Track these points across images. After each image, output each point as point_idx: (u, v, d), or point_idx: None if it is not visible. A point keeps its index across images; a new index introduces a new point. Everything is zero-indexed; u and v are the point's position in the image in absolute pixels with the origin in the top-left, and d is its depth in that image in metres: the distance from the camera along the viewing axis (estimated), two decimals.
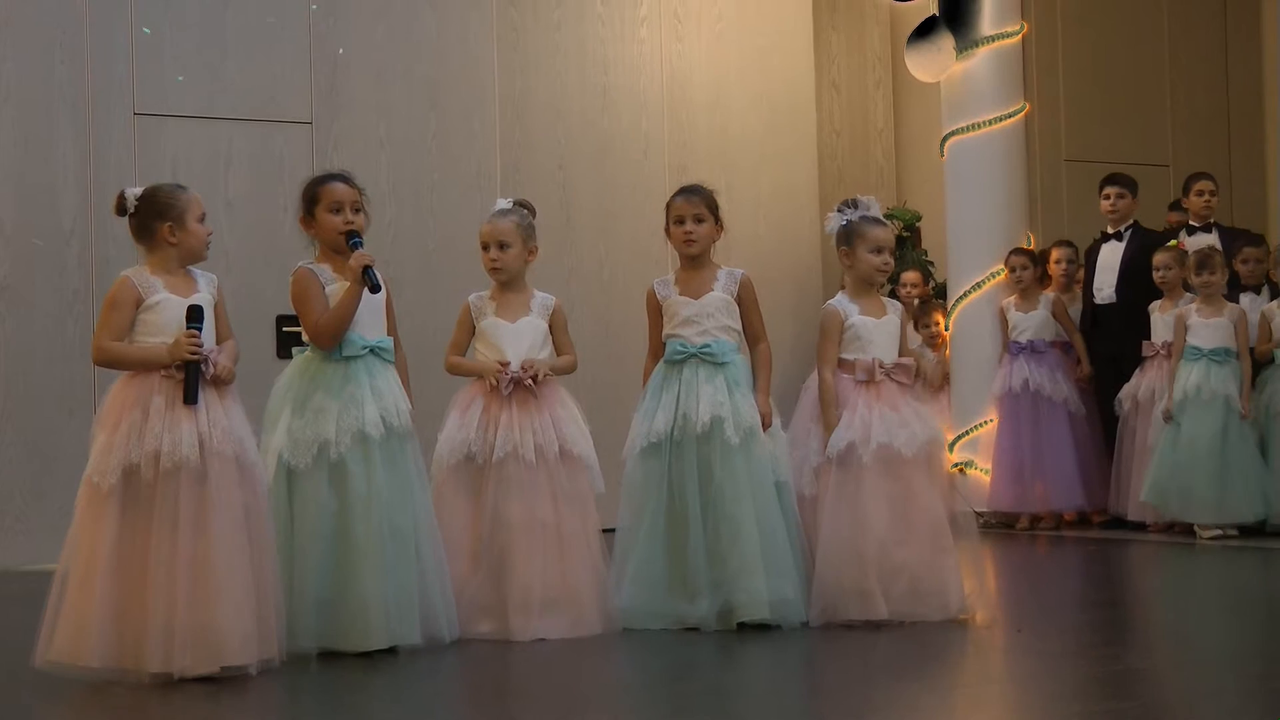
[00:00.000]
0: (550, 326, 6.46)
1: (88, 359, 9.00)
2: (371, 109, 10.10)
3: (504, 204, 6.53)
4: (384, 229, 9.64)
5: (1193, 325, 9.38)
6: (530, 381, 6.23)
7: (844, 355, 6.43)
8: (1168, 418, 9.34)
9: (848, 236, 6.52)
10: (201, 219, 5.54)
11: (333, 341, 5.83)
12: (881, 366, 6.38)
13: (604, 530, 6.35)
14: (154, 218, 5.48)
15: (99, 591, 5.16)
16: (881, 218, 6.58)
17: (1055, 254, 10.47)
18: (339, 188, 5.98)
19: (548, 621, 6.05)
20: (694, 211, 6.49)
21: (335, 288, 5.89)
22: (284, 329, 9.35)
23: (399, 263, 9.70)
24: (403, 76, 10.22)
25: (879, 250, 6.48)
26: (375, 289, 5.85)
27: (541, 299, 6.47)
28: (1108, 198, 10.30)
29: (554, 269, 10.23)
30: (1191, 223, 10.29)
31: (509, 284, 6.44)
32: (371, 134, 10.09)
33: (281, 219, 9.20)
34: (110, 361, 5.42)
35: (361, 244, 5.92)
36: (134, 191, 5.52)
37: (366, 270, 5.82)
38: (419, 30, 10.30)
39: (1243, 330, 9.37)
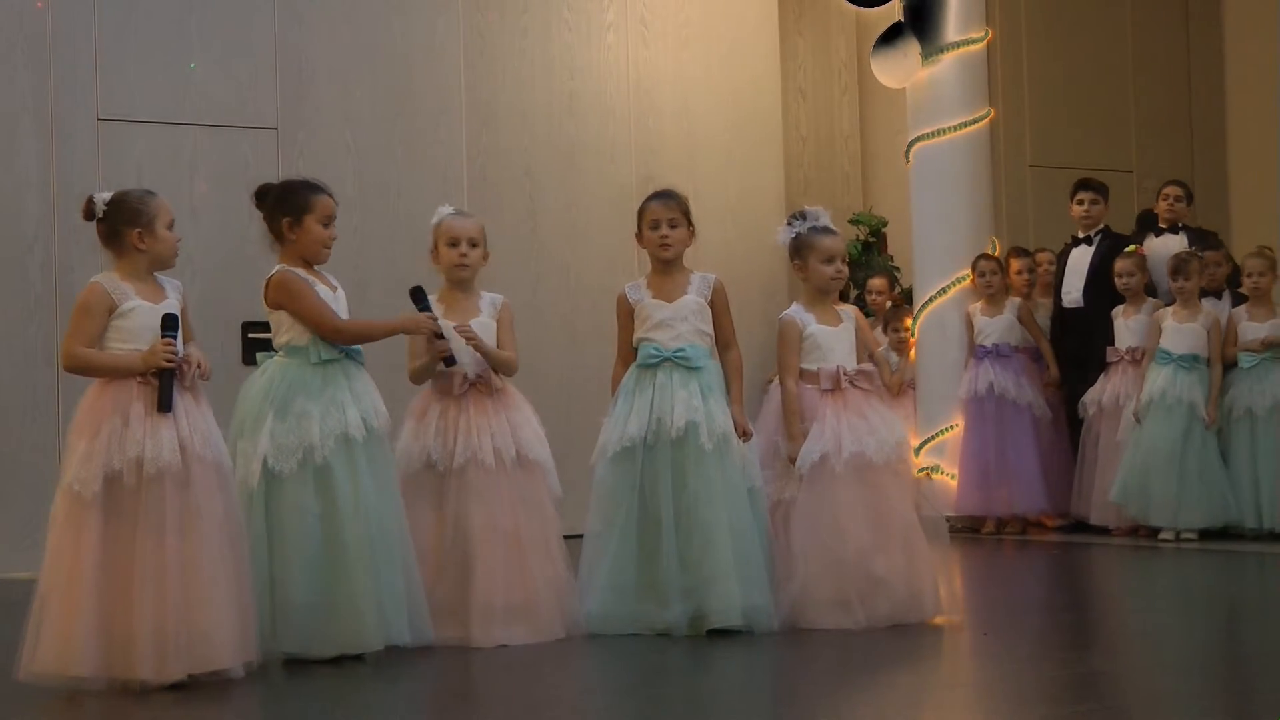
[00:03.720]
0: (497, 324, 6.38)
1: (51, 366, 9.01)
2: (338, 115, 10.08)
3: (449, 209, 6.48)
4: (350, 235, 9.60)
5: (1166, 329, 9.44)
6: (467, 342, 6.21)
7: (805, 365, 6.43)
8: (1138, 419, 9.40)
9: (799, 249, 6.55)
10: (170, 226, 5.53)
11: (337, 338, 5.84)
12: (845, 374, 6.39)
13: (571, 536, 6.35)
14: (123, 224, 5.46)
15: (84, 600, 5.14)
16: (831, 226, 6.60)
17: (1015, 265, 10.51)
18: (330, 202, 6.02)
19: (510, 628, 6.04)
20: (670, 216, 6.49)
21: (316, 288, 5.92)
22: (249, 335, 9.31)
23: (364, 269, 9.67)
24: (369, 82, 10.20)
25: (830, 260, 6.50)
26: (450, 363, 6.19)
27: (490, 298, 6.41)
28: (1081, 203, 10.34)
29: (520, 274, 10.23)
30: (1160, 225, 10.32)
31: (463, 284, 6.39)
32: (338, 140, 10.06)
33: (247, 225, 9.03)
34: (81, 368, 5.38)
35: (428, 304, 6.23)
36: (103, 196, 5.50)
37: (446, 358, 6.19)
38: (385, 36, 10.28)
39: (1215, 335, 9.43)
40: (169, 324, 5.37)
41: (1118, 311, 9.88)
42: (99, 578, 5.15)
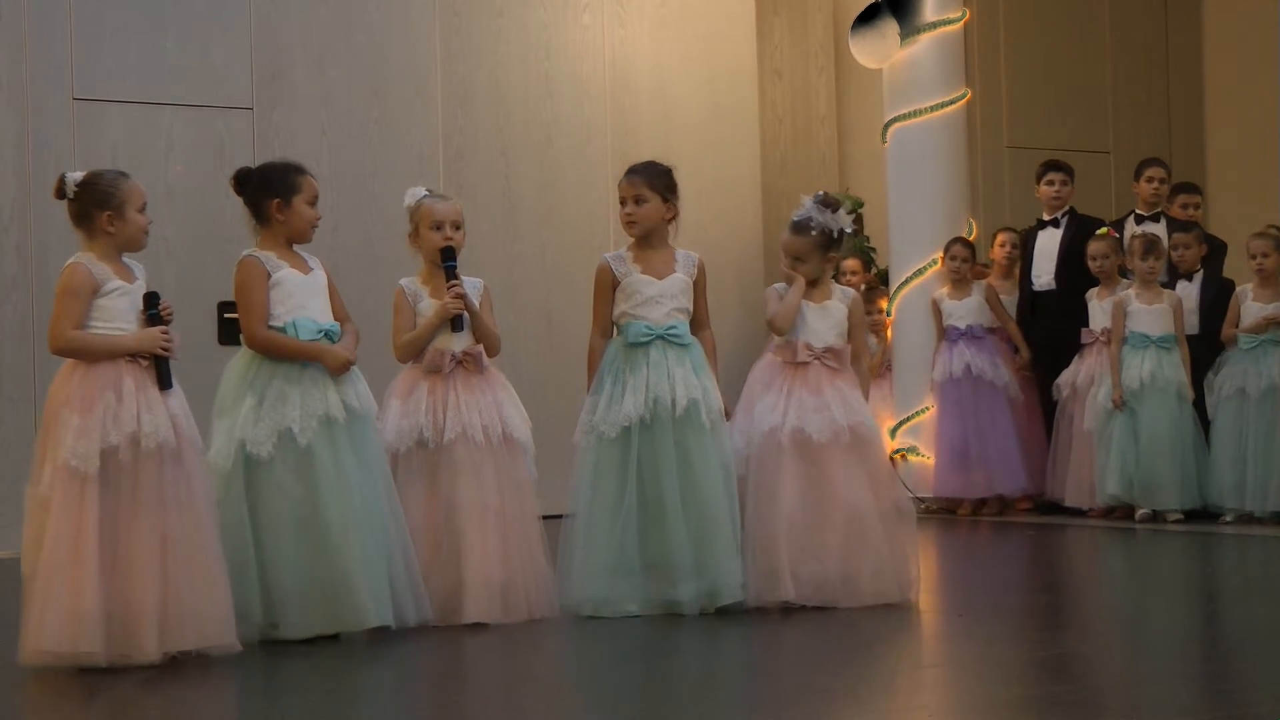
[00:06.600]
0: (478, 307, 6.34)
1: (26, 346, 8.99)
2: (313, 95, 10.05)
3: (423, 190, 6.45)
4: (325, 216, 9.49)
5: (1134, 312, 9.43)
6: (460, 301, 6.20)
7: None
8: (1120, 405, 9.38)
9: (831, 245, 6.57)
10: (142, 209, 5.50)
11: (250, 343, 5.78)
12: (810, 349, 6.37)
13: (547, 516, 6.33)
14: (93, 206, 5.43)
15: (89, 576, 5.12)
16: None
17: (1000, 238, 10.52)
18: (315, 183, 6.05)
19: (494, 607, 6.02)
20: (633, 193, 6.42)
21: (284, 274, 5.88)
22: (225, 315, 9.28)
23: (340, 250, 9.65)
24: (344, 62, 10.17)
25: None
26: (457, 328, 6.19)
27: (471, 283, 6.37)
28: (1052, 184, 10.34)
29: (496, 255, 10.22)
30: (1139, 211, 10.30)
31: None
32: (313, 120, 10.04)
33: (222, 205, 9.12)
34: (74, 350, 5.34)
35: (456, 266, 6.19)
36: (75, 176, 5.47)
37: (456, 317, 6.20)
38: (361, 16, 10.25)
39: (1179, 316, 9.45)
40: (151, 302, 5.41)
41: (1092, 293, 9.87)
42: (99, 553, 5.15)
